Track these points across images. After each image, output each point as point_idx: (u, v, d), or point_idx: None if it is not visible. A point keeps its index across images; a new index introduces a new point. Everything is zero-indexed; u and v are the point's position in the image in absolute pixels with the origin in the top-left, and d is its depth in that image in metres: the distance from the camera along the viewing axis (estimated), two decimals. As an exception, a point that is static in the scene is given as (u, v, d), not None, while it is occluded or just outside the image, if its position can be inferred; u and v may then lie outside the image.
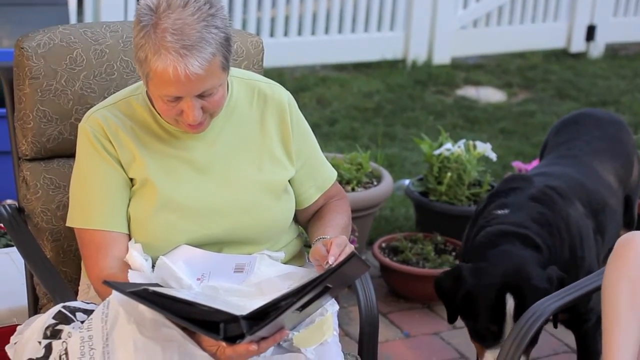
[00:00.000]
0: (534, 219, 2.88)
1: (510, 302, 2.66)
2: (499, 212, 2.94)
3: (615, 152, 3.43)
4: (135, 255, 2.12)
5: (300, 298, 1.86)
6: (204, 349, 1.94)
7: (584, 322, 2.95)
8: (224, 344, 1.89)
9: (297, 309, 1.89)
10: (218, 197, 2.21)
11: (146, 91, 2.21)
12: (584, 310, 2.88)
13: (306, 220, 2.41)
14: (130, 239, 2.19)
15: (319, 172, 2.38)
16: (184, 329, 1.96)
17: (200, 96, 2.08)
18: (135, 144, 2.19)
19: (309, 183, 2.36)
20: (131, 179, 2.20)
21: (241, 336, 1.84)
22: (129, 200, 2.20)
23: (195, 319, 1.86)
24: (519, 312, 2.62)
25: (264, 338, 1.92)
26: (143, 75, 2.09)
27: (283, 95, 2.33)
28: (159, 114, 2.20)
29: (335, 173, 2.44)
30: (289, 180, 2.31)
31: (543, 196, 2.98)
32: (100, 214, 2.17)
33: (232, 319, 1.85)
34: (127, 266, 2.11)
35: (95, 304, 2.13)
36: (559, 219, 2.91)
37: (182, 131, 2.20)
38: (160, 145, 2.21)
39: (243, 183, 2.24)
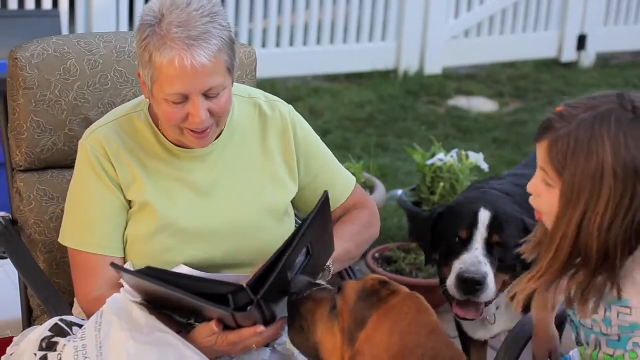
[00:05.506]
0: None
1: (484, 214, 2.74)
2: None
3: None
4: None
5: (294, 248, 1.89)
6: (200, 344, 1.94)
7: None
8: (217, 330, 1.90)
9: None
10: (218, 221, 2.19)
11: (148, 107, 2.20)
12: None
13: None
14: (125, 262, 2.18)
15: (332, 187, 2.31)
16: (178, 331, 1.95)
17: (207, 97, 2.05)
18: (136, 166, 2.17)
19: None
20: (129, 201, 2.18)
21: (250, 303, 1.85)
22: (127, 223, 2.18)
23: (202, 293, 1.86)
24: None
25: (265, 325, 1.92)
26: (148, 80, 2.06)
27: (284, 113, 2.29)
28: (161, 132, 2.18)
29: (353, 184, 2.39)
30: (298, 195, 2.30)
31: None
32: (97, 238, 2.16)
33: (238, 289, 1.86)
34: (117, 285, 2.08)
35: (90, 321, 2.12)
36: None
37: (185, 150, 2.18)
38: (161, 166, 2.18)
39: (244, 206, 2.21)
